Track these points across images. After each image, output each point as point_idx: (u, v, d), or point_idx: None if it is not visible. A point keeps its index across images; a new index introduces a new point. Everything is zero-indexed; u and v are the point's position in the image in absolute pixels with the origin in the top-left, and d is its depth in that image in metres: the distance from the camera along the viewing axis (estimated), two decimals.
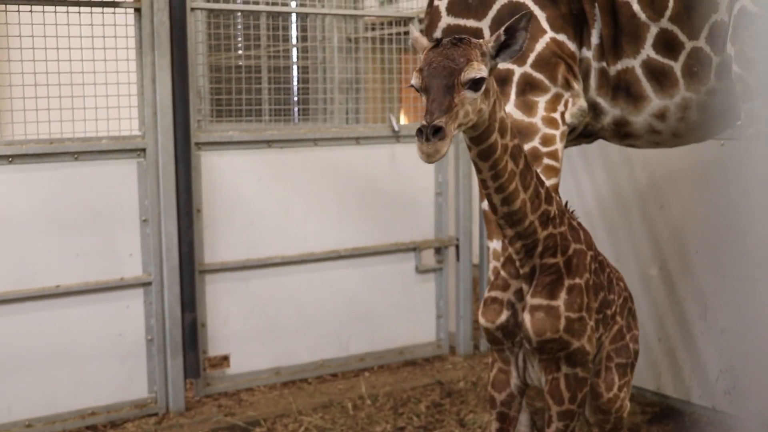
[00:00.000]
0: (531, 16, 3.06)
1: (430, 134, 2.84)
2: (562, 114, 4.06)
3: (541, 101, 4.03)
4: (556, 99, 4.04)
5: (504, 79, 4.04)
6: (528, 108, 4.02)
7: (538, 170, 3.99)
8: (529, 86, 4.02)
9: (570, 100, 4.07)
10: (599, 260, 3.59)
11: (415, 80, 3.03)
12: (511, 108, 4.04)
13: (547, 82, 4.03)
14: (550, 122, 4.03)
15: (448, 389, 6.19)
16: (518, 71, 4.03)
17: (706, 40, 3.86)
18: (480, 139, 3.07)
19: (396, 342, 6.80)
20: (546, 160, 4.01)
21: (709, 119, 4.08)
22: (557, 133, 4.04)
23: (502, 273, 3.49)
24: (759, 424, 4.79)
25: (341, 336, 6.55)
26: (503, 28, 3.06)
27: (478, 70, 2.96)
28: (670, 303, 5.63)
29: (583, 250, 3.46)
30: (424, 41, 3.17)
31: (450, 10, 4.19)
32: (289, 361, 6.39)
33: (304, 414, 5.77)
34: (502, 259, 3.55)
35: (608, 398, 3.69)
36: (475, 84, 2.96)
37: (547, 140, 4.01)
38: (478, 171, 3.14)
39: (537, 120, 4.02)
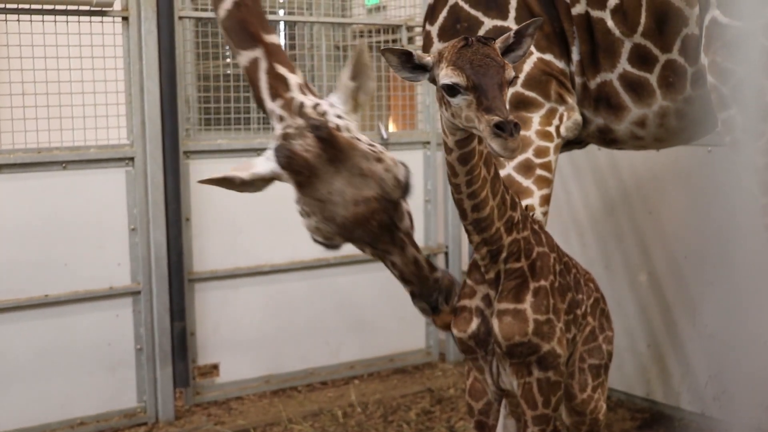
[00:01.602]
0: (541, 22, 3.09)
1: (514, 130, 2.79)
2: (557, 128, 4.11)
3: (536, 117, 4.08)
4: (551, 113, 4.10)
5: None
6: (522, 122, 4.05)
7: (531, 180, 4.02)
8: (522, 104, 4.07)
9: (565, 113, 4.12)
10: (564, 261, 3.58)
11: (456, 78, 2.91)
12: None
13: (540, 99, 4.08)
14: (545, 135, 4.07)
15: (438, 396, 6.19)
16: (509, 91, 4.07)
17: (679, 53, 3.92)
18: (465, 143, 3.05)
19: (386, 349, 6.79)
20: (539, 171, 4.04)
21: (688, 125, 4.14)
22: (551, 145, 4.08)
23: (468, 280, 3.48)
24: (747, 428, 4.81)
25: (331, 344, 6.55)
26: (513, 32, 3.08)
27: (512, 69, 2.98)
28: (659, 309, 5.64)
29: (546, 252, 3.46)
30: (426, 53, 3.14)
31: (441, 36, 4.26)
32: (278, 370, 6.38)
33: (294, 422, 5.77)
34: (468, 266, 3.55)
35: (582, 399, 3.69)
36: (511, 83, 2.98)
37: (540, 152, 4.06)
38: (454, 175, 3.11)
39: (531, 133, 4.06)
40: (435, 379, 6.60)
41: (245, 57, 3.66)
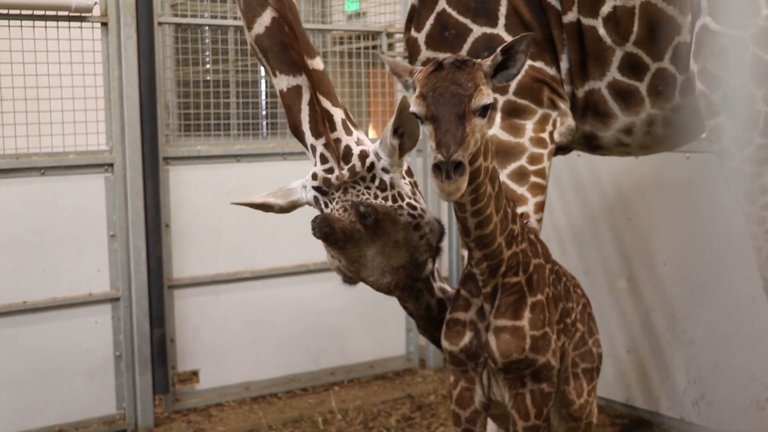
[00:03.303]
0: (531, 38, 2.94)
1: (451, 171, 2.65)
2: (551, 133, 4.09)
3: (529, 123, 4.05)
4: (544, 120, 4.07)
5: None
6: (515, 130, 4.04)
7: (525, 188, 4.00)
8: (515, 111, 4.04)
9: (558, 119, 4.10)
10: (555, 270, 3.55)
11: (417, 107, 2.80)
12: (496, 130, 4.05)
13: (533, 105, 4.05)
14: (539, 142, 4.05)
15: (418, 402, 6.18)
16: (501, 99, 4.05)
17: (670, 61, 3.91)
18: (469, 162, 2.89)
19: (366, 356, 6.79)
20: (533, 178, 4.02)
21: (674, 132, 4.15)
22: (545, 152, 4.06)
23: (463, 292, 3.40)
24: None
25: (311, 350, 6.54)
26: (500, 49, 2.92)
27: (487, 95, 2.80)
28: (638, 315, 5.66)
29: (542, 264, 3.42)
30: (406, 64, 2.99)
31: (428, 44, 4.21)
32: (258, 376, 6.37)
33: (274, 429, 5.75)
34: (461, 277, 3.49)
35: (579, 405, 3.66)
36: (484, 110, 2.80)
37: (534, 159, 4.03)
38: None
39: (525, 140, 4.03)
40: (415, 386, 6.60)
41: (284, 81, 3.52)
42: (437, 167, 2.67)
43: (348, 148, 3.49)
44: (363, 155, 3.47)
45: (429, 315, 3.63)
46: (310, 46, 3.61)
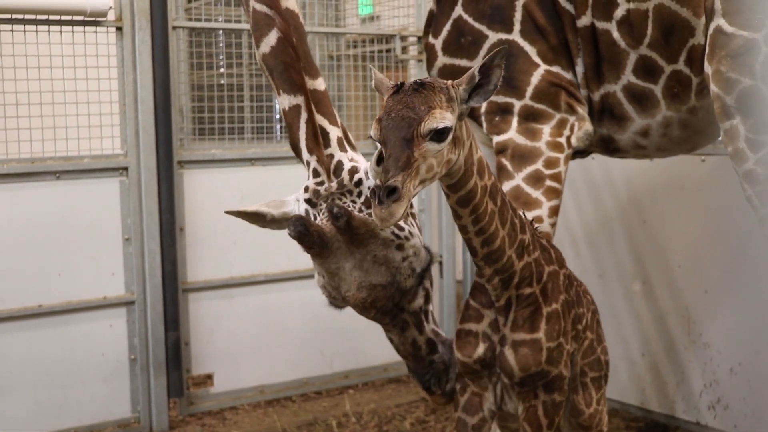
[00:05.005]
0: (507, 52, 2.84)
1: (383, 196, 2.58)
2: (568, 138, 4.08)
3: (546, 128, 4.05)
4: (562, 124, 4.07)
5: (504, 110, 4.07)
6: (532, 134, 4.04)
7: (540, 192, 4.00)
8: (532, 116, 4.04)
9: (576, 123, 4.10)
10: (567, 275, 3.53)
11: (373, 131, 2.75)
12: (513, 134, 4.05)
13: (550, 110, 4.05)
14: (555, 146, 4.05)
15: (432, 406, 6.17)
16: (518, 104, 4.05)
17: (685, 63, 3.91)
18: (458, 186, 2.89)
19: (380, 359, 6.78)
20: (548, 182, 4.02)
21: (692, 135, 4.14)
22: (561, 156, 4.05)
23: (473, 303, 3.37)
24: None
25: (325, 353, 6.54)
26: (477, 68, 2.82)
27: (442, 119, 2.69)
28: (653, 318, 5.65)
29: (556, 270, 3.40)
30: (388, 82, 2.94)
31: (445, 50, 4.23)
32: (273, 379, 6.37)
33: None
34: (471, 288, 3.46)
35: (589, 414, 3.65)
36: (439, 134, 2.69)
37: (550, 163, 4.03)
38: (458, 217, 2.98)
39: (541, 144, 4.03)
40: None
41: (286, 100, 3.57)
42: (373, 192, 2.63)
43: (339, 163, 3.53)
44: (353, 170, 3.50)
45: (416, 352, 3.62)
46: (314, 66, 3.69)
